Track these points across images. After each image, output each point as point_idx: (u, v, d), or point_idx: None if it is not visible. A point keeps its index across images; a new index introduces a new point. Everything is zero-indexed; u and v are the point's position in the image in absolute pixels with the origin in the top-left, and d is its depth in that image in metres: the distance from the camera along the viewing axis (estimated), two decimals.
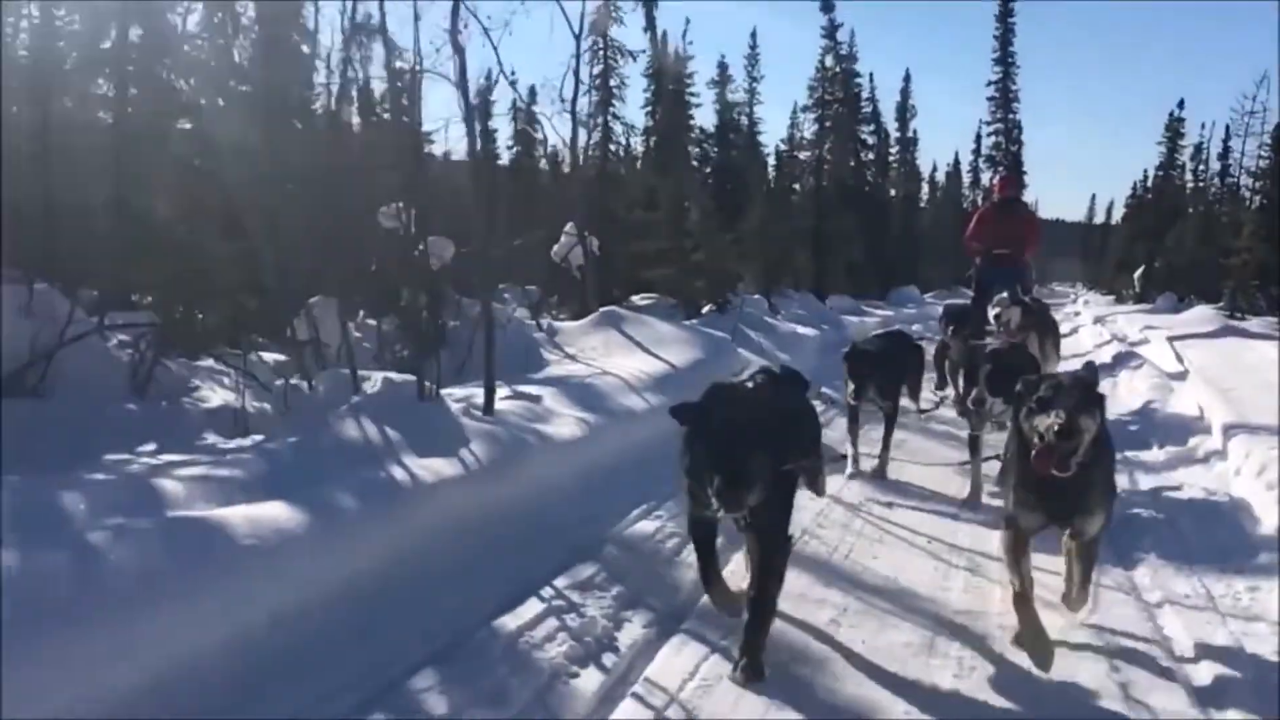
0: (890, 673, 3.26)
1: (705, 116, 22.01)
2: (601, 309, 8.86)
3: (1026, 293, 9.52)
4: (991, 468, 5.21)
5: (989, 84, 34.26)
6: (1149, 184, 35.14)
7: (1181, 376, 9.67)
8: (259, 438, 5.57)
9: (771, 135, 46.62)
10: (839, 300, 19.41)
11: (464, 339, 8.03)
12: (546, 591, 3.81)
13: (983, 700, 3.11)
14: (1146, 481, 5.98)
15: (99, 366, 6.17)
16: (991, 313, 8.24)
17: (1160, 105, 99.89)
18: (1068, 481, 3.11)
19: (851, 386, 6.15)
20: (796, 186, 26.35)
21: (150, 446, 5.34)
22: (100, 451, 4.88)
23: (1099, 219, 64.66)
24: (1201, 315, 16.70)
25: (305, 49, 10.66)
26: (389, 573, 3.69)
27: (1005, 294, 8.35)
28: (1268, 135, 20.24)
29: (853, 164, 25.84)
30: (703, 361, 8.02)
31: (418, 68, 7.38)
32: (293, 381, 6.26)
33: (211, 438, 5.89)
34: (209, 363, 7.32)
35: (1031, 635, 3.23)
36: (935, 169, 41.48)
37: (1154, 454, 6.77)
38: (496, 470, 4.66)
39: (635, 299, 11.80)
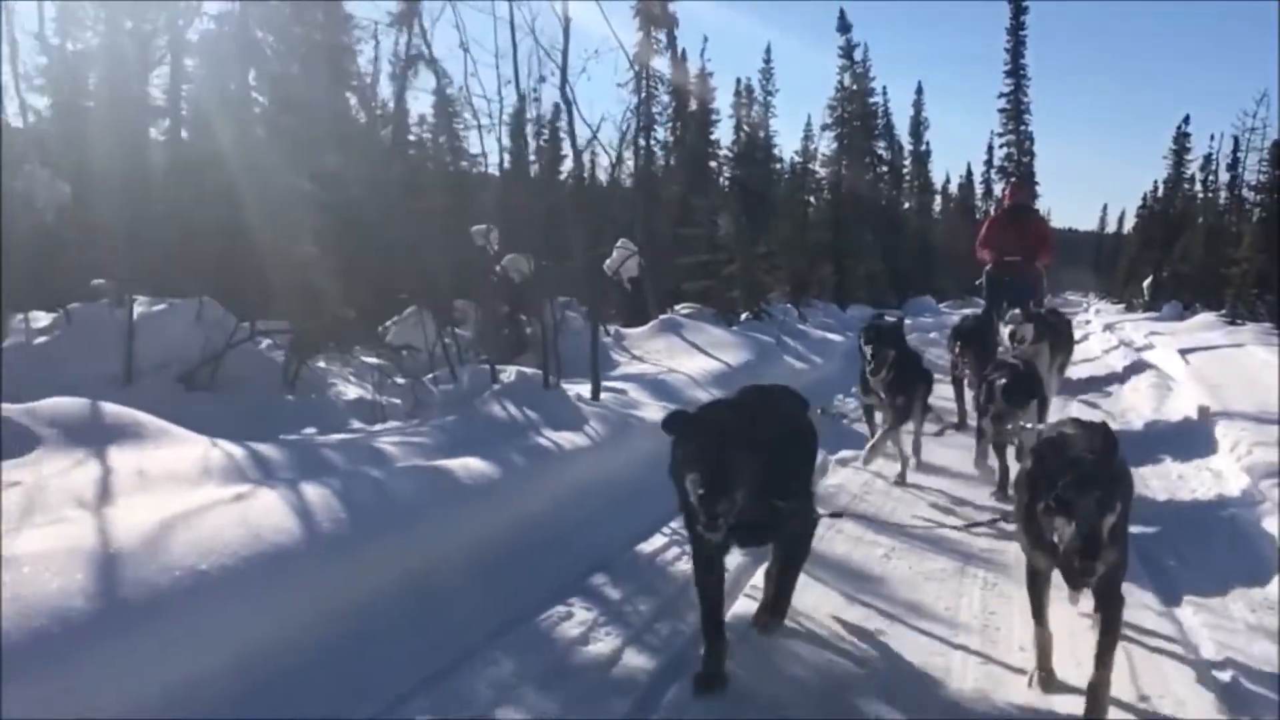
0: (931, 588, 4.45)
1: (722, 131, 23.49)
2: (661, 316, 10.12)
3: (1038, 303, 9.61)
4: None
5: (1000, 96, 35.42)
6: (1159, 194, 36.46)
7: (1179, 379, 10.85)
8: (396, 423, 6.85)
9: (784, 147, 48.17)
10: (859, 310, 20.60)
11: (542, 342, 9.29)
12: (666, 529, 5.05)
13: (1003, 612, 4.09)
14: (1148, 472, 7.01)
15: (257, 365, 7.47)
16: (1005, 330, 8.15)
17: (1173, 114, 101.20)
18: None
19: (871, 363, 6.23)
20: (812, 200, 27.66)
21: (311, 430, 6.62)
22: (274, 432, 6.14)
23: (1111, 229, 65.73)
24: (1204, 322, 17.87)
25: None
26: (550, 512, 4.94)
27: (1017, 310, 8.33)
28: (1267, 150, 21.46)
29: (869, 178, 27.15)
30: (753, 362, 9.30)
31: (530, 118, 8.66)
32: (424, 379, 7.54)
33: (357, 423, 7.18)
34: (335, 363, 8.66)
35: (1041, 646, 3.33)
36: (948, 180, 42.79)
37: (1150, 442, 7.99)
38: (610, 443, 5.91)
39: (678, 309, 13.06)
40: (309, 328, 8.07)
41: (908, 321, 21.13)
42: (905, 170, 35.42)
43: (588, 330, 9.76)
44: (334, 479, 4.15)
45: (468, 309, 10.00)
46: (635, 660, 3.51)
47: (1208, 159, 30.09)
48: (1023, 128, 36.43)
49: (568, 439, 5.64)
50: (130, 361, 6.90)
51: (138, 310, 7.08)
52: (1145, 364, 12.90)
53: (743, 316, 13.16)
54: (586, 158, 14.94)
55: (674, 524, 5.12)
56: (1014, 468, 5.17)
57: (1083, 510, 2.83)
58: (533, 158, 18.29)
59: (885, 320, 6.84)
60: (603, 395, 6.89)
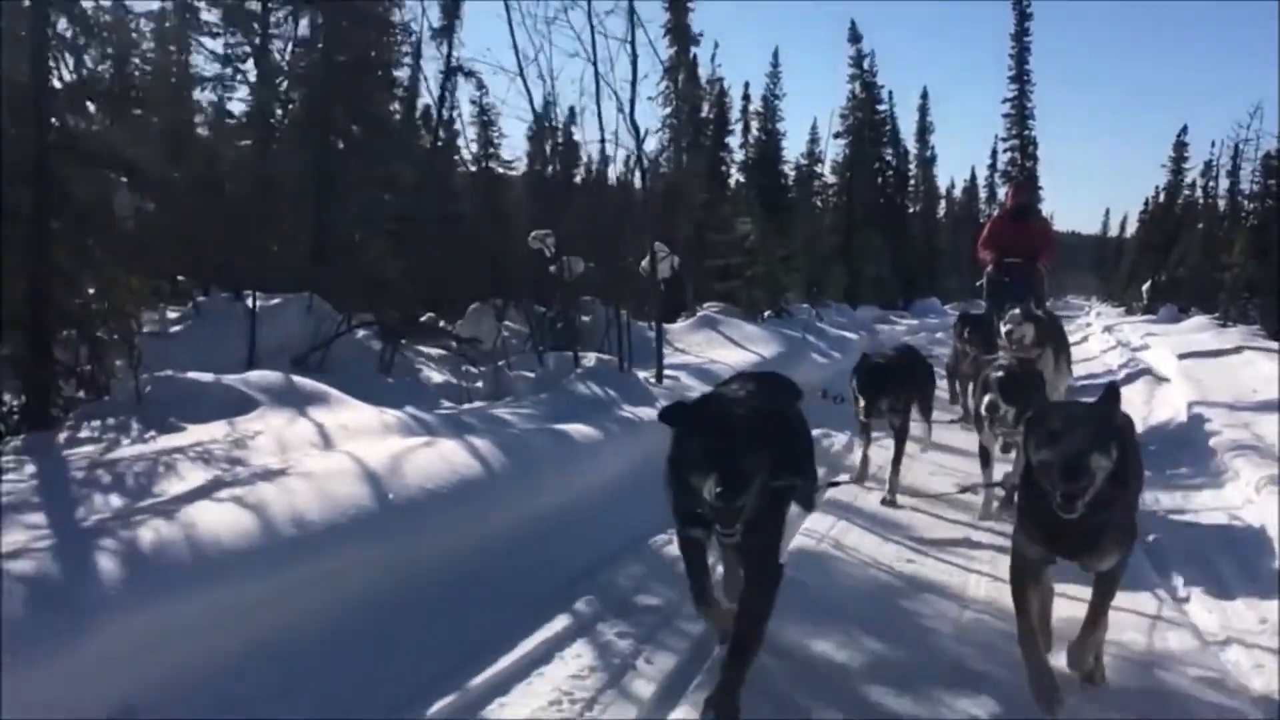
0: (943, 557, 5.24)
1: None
2: (700, 313, 11.37)
3: (1040, 304, 9.47)
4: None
5: (1004, 100, 36.63)
6: (1160, 200, 37.81)
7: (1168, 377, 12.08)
8: (481, 403, 8.08)
9: (790, 149, 49.50)
10: (868, 310, 21.89)
11: (595, 335, 10.54)
12: None
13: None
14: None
15: (359, 352, 8.70)
16: (1004, 328, 8.03)
17: (1177, 117, 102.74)
18: (1078, 517, 2.89)
19: (861, 403, 6.08)
20: (819, 203, 28.94)
21: (409, 408, 7.86)
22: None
23: (1114, 233, 66.99)
24: (1197, 324, 19.13)
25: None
26: (638, 468, 6.14)
27: (1017, 309, 8.21)
28: (1259, 161, 22.79)
29: (879, 182, 28.46)
30: (785, 354, 10.54)
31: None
32: (500, 364, 8.79)
33: (447, 403, 8.40)
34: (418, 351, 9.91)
35: (1037, 676, 3.08)
36: (953, 185, 44.08)
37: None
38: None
39: (706, 307, 14.31)
40: (391, 321, 9.30)
41: (912, 322, 22.63)
42: (911, 175, 36.71)
43: (632, 325, 11.02)
44: (483, 435, 5.38)
45: (526, 306, 11.23)
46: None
47: (1208, 165, 31.44)
48: (1027, 132, 37.57)
49: (645, 413, 6.87)
50: (253, 347, 8.13)
51: (257, 304, 8.31)
52: (1140, 362, 14.19)
53: (765, 315, 14.40)
54: (616, 165, 16.16)
55: None
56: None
57: (1070, 441, 2.84)
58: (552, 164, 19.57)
59: (875, 361, 6.33)
60: (664, 380, 8.13)
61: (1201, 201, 32.01)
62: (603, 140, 10.01)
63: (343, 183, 10.10)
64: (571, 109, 23.92)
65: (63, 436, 4.86)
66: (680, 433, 3.10)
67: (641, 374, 8.04)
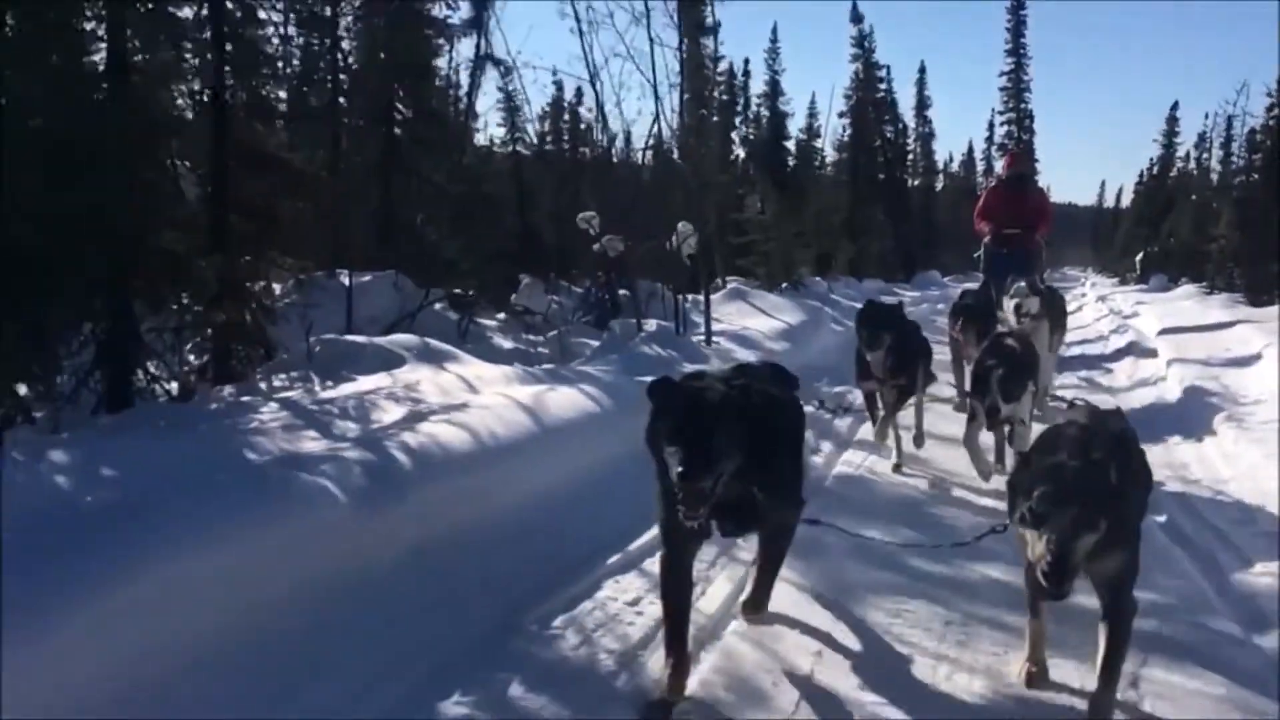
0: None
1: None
2: (729, 285, 12.74)
3: (1039, 276, 9.64)
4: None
5: (1001, 74, 37.95)
6: (1154, 172, 39.28)
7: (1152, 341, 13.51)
8: (550, 366, 9.44)
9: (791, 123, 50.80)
10: (872, 284, 23.28)
11: (631, 307, 11.89)
12: None
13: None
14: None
15: (439, 322, 10.05)
16: (1010, 304, 8.07)
17: (1174, 89, 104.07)
18: None
19: (867, 347, 6.16)
20: (819, 177, 30.30)
21: (516, 365, 9.24)
22: None
23: (1110, 204, 68.44)
24: (1185, 293, 20.56)
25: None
26: None
27: (1023, 283, 8.25)
28: (1245, 137, 24.21)
29: (881, 160, 29.85)
30: (807, 321, 11.95)
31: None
32: (562, 330, 10.16)
33: (519, 365, 9.77)
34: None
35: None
36: (950, 159, 45.45)
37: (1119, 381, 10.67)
38: None
39: (726, 280, 15.70)
40: (463, 294, 10.66)
41: (914, 294, 24.00)
42: (909, 150, 38.04)
43: (670, 297, 12.38)
44: (587, 384, 6.75)
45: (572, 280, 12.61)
46: None
47: (1201, 137, 32.81)
48: (1023, 105, 38.92)
49: (702, 369, 8.27)
50: (350, 318, 9.47)
51: (352, 280, 9.67)
52: (1128, 328, 15.64)
53: (783, 286, 15.79)
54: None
55: None
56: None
57: (1053, 527, 2.70)
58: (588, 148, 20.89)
59: (881, 302, 6.60)
60: (712, 343, 9.53)
61: (1195, 172, 33.41)
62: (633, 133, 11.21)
63: (405, 172, 11.46)
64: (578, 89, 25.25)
65: (262, 386, 6.23)
66: (658, 408, 3.05)
67: (695, 337, 9.43)
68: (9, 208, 4.66)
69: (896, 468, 6.23)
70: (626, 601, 3.94)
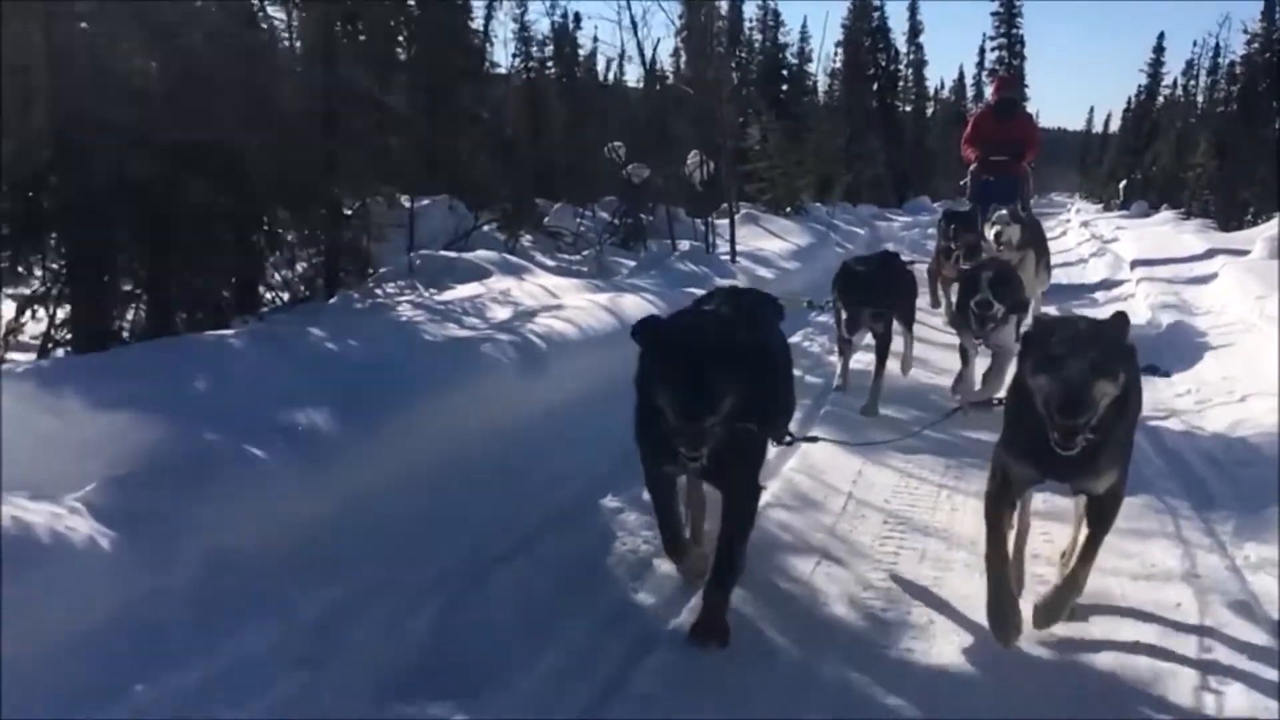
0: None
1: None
2: (742, 210, 14.03)
3: (1024, 204, 9.86)
4: None
5: None
6: (1142, 98, 40.46)
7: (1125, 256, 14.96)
8: (592, 281, 10.79)
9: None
10: (867, 209, 24.59)
11: (658, 229, 13.22)
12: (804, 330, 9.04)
13: None
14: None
15: (489, 242, 11.35)
16: (991, 231, 8.10)
17: (1166, 16, 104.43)
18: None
19: (845, 314, 6.11)
20: (811, 99, 31.40)
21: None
22: None
23: (1098, 129, 69.45)
24: (1163, 219, 22.00)
25: None
26: None
27: (1004, 210, 8.31)
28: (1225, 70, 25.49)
29: (875, 89, 30.99)
30: (814, 243, 13.34)
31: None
32: (598, 249, 11.49)
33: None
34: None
35: (996, 605, 3.00)
36: (941, 86, 46.36)
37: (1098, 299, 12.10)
38: (754, 282, 9.92)
39: (739, 205, 17.00)
40: (509, 216, 11.96)
41: (907, 219, 25.37)
42: (901, 77, 38.98)
43: (688, 222, 13.69)
44: (645, 293, 8.12)
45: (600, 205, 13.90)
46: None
47: (1189, 65, 33.90)
48: (1014, 30, 39.79)
49: (732, 282, 9.64)
50: (413, 237, 10.76)
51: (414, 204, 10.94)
52: (1107, 251, 17.08)
53: (787, 211, 17.12)
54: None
55: (809, 329, 9.11)
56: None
57: (1075, 363, 2.70)
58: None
59: (856, 268, 6.25)
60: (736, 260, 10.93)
61: (1182, 99, 34.58)
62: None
63: (449, 106, 12.61)
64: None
65: (378, 293, 7.57)
66: (648, 351, 3.02)
67: (720, 256, 10.82)
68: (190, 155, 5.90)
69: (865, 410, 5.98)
70: None
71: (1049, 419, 2.74)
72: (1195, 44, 50.53)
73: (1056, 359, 2.74)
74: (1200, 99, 31.27)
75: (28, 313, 5.36)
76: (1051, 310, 9.27)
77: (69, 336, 5.38)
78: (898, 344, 6.60)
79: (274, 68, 7.26)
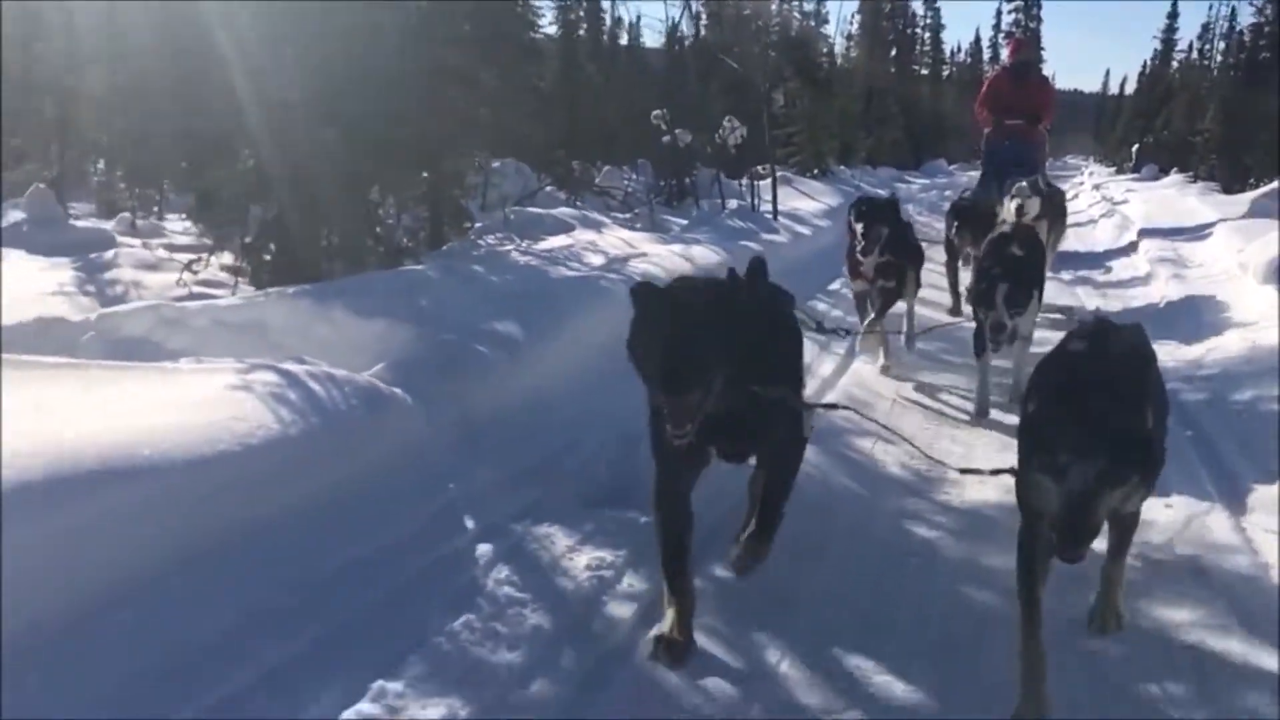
0: None
1: None
2: (778, 172, 15.35)
3: (1039, 169, 9.76)
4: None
5: None
6: (1157, 61, 41.44)
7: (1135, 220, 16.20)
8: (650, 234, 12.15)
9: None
10: (886, 171, 25.87)
11: (699, 190, 14.56)
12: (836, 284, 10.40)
13: None
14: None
15: (550, 201, 12.71)
16: (1011, 205, 7.90)
17: None
18: None
19: (861, 241, 6.10)
20: (825, 63, 32.43)
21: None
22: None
23: (1114, 91, 70.09)
24: (1172, 182, 23.25)
25: None
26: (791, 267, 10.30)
27: (1024, 183, 8.15)
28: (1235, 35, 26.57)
29: (893, 54, 32.15)
30: (844, 203, 14.55)
31: None
32: (647, 208, 12.85)
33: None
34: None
35: (1032, 675, 2.69)
36: (958, 49, 47.32)
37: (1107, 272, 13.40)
38: (794, 237, 11.28)
39: (764, 169, 18.30)
40: (569, 177, 13.33)
41: (924, 181, 26.62)
42: (919, 40, 40.04)
43: (729, 184, 15.00)
44: (706, 244, 9.46)
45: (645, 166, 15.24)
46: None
47: (1205, 28, 34.84)
48: None
49: (776, 237, 10.99)
50: (485, 196, 12.12)
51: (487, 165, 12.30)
52: (1115, 213, 18.36)
53: (814, 173, 18.44)
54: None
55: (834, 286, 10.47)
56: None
57: (1075, 480, 2.41)
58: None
59: (878, 196, 6.54)
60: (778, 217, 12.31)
61: (1198, 62, 35.56)
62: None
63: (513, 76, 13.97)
64: None
65: (480, 244, 8.95)
66: (640, 314, 2.89)
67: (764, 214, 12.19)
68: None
69: (885, 369, 6.41)
70: None
71: (1050, 528, 2.55)
72: (1210, 8, 51.32)
73: (1060, 468, 2.45)
74: (1214, 64, 32.34)
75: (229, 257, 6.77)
76: (1064, 277, 10.45)
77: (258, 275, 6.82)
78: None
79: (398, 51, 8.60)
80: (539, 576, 3.43)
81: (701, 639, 3.09)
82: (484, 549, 3.56)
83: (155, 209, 11.78)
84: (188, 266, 6.96)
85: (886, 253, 6.18)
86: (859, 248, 6.15)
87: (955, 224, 8.38)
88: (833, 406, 4.53)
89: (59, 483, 2.68)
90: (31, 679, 2.36)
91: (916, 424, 5.58)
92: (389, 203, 8.64)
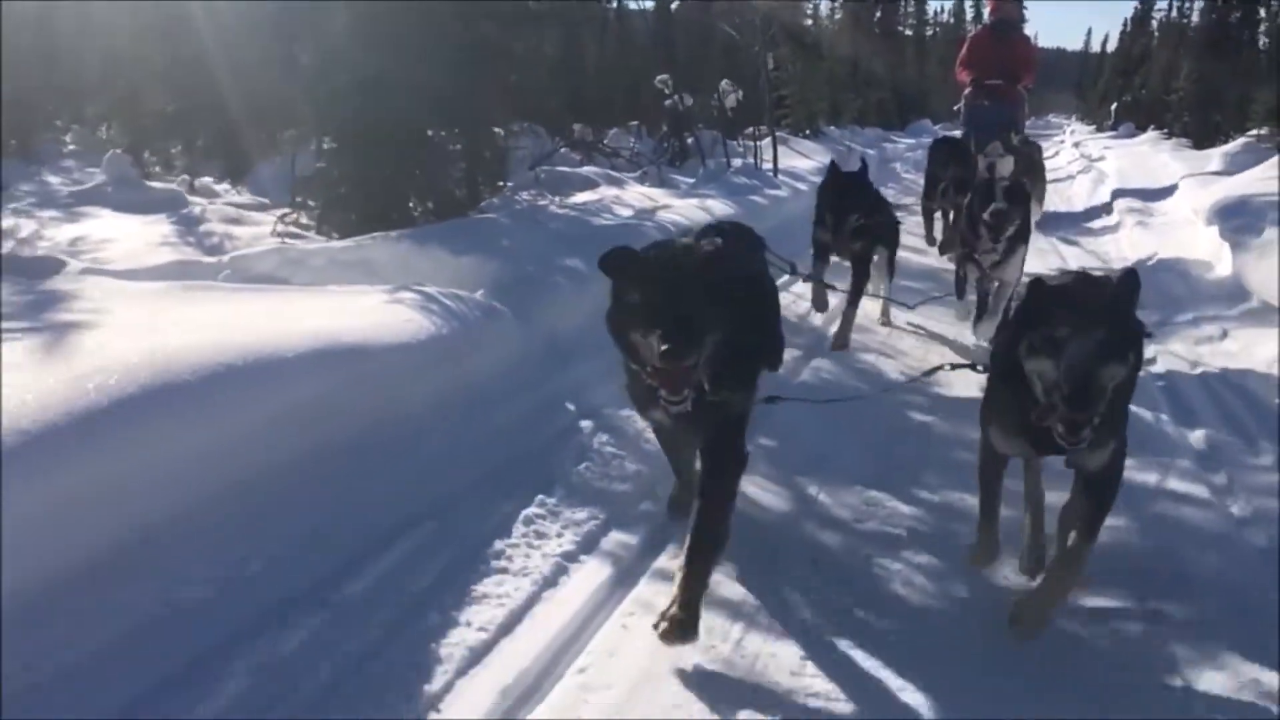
0: None
1: None
2: (775, 132, 16.43)
3: (1018, 130, 9.94)
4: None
5: None
6: (1137, 21, 42.42)
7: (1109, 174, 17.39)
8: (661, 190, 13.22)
9: None
10: (873, 131, 26.94)
11: (704, 150, 15.62)
12: None
13: None
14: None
15: (565, 161, 13.75)
16: (983, 163, 8.06)
17: None
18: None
19: (829, 218, 6.14)
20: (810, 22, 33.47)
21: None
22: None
23: (1095, 50, 71.02)
24: (1147, 139, 24.37)
25: None
26: (791, 221, 11.39)
27: (997, 142, 8.32)
28: None
29: (877, 16, 33.11)
30: (836, 161, 15.70)
31: None
32: (656, 167, 13.90)
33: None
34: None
35: (986, 540, 3.14)
36: (941, 10, 48.19)
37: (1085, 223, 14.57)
38: (794, 193, 12.37)
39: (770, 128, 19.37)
40: (581, 139, 14.36)
41: (910, 141, 27.73)
42: (902, 1, 40.90)
43: (728, 142, 16.05)
44: (716, 197, 10.54)
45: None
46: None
47: None
48: None
49: (778, 193, 12.09)
50: (505, 157, 13.15)
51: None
52: (1092, 168, 19.51)
53: (806, 133, 19.51)
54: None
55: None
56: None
57: (1080, 349, 2.45)
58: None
59: (846, 173, 6.46)
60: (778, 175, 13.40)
61: (1177, 20, 36.53)
62: None
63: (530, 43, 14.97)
64: None
65: (515, 200, 10.00)
66: (621, 284, 2.83)
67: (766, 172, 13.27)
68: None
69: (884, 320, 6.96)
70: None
71: (1049, 406, 2.56)
72: None
73: (1060, 340, 2.50)
74: (1191, 24, 33.31)
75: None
76: (1040, 242, 10.26)
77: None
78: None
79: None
80: (629, 442, 4.55)
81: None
82: (586, 424, 4.68)
83: (214, 176, 12.80)
84: (280, 219, 8.02)
85: (855, 235, 6.25)
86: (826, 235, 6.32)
87: (942, 153, 9.00)
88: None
89: (295, 359, 3.79)
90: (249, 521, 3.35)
91: (909, 344, 6.71)
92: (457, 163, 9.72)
